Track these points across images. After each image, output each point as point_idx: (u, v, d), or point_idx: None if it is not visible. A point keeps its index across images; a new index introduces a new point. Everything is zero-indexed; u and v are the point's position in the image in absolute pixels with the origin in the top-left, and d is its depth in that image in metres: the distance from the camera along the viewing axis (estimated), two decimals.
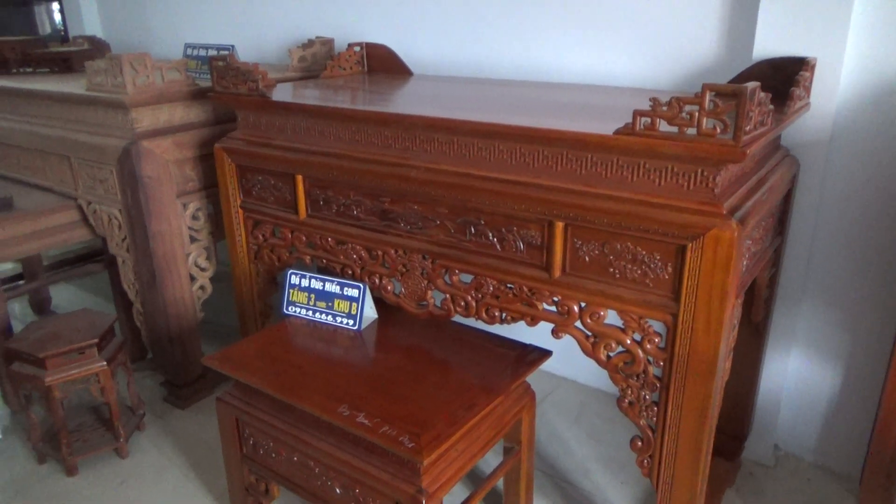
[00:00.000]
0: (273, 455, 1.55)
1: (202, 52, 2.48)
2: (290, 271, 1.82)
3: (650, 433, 1.37)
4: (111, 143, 2.00)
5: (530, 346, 1.64)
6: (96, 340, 1.89)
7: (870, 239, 1.71)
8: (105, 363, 1.90)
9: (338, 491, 1.43)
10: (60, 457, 1.94)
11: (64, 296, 3.17)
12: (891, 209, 1.66)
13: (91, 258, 2.65)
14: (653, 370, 1.33)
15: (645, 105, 1.18)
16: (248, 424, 1.57)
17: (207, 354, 1.65)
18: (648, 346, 1.32)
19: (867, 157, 1.66)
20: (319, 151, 1.69)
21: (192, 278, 2.18)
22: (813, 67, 1.57)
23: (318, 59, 2.43)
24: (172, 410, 2.25)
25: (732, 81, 1.64)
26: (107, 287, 2.62)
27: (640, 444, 1.39)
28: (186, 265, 2.14)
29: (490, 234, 1.45)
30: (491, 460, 1.81)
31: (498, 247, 1.45)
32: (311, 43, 2.44)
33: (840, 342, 1.82)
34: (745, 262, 1.29)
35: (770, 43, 1.64)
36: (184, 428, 2.16)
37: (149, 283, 2.10)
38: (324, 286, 1.77)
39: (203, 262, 2.19)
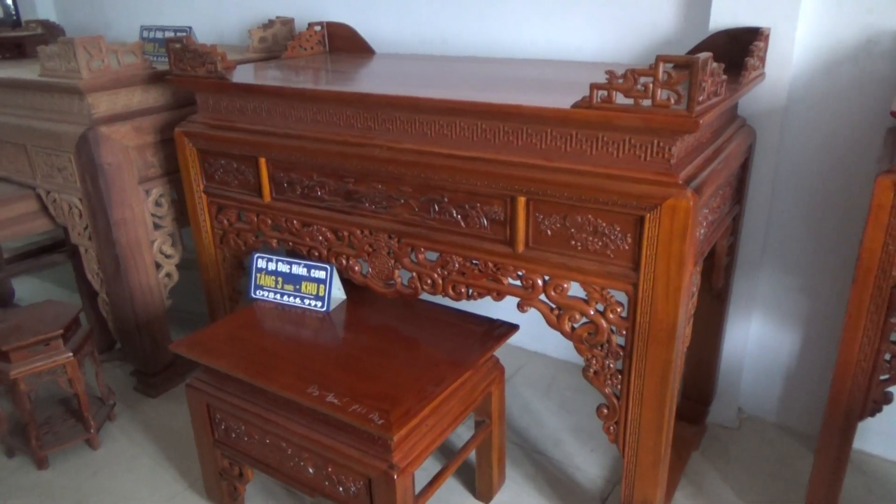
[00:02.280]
0: (245, 438, 1.55)
1: (159, 35, 2.42)
2: (257, 255, 1.81)
3: (615, 400, 1.40)
4: (68, 129, 1.96)
5: (498, 321, 1.66)
6: (61, 331, 1.87)
7: (825, 205, 1.75)
8: (71, 354, 1.88)
9: (311, 471, 1.45)
10: (30, 450, 1.92)
11: (27, 288, 3.11)
12: (845, 176, 1.70)
13: (53, 249, 2.60)
14: (616, 339, 1.36)
15: (601, 78, 1.19)
16: (219, 409, 1.57)
17: (175, 341, 1.64)
18: (611, 315, 1.34)
19: (822, 125, 1.70)
20: (282, 133, 1.68)
21: (158, 266, 2.15)
22: (767, 37, 1.60)
23: (278, 40, 2.40)
24: (143, 399, 2.24)
25: (690, 53, 1.65)
26: (71, 278, 2.57)
27: (605, 411, 1.42)
28: (151, 253, 2.12)
29: (454, 212, 1.46)
30: (463, 434, 1.84)
31: (462, 224, 1.46)
32: (271, 23, 2.41)
33: (799, 306, 1.87)
34: (702, 231, 1.32)
35: (726, 14, 1.66)
36: (155, 416, 2.15)
37: (113, 273, 2.08)
38: (291, 269, 1.77)
39: (168, 249, 2.17)
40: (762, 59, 1.60)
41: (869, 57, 1.60)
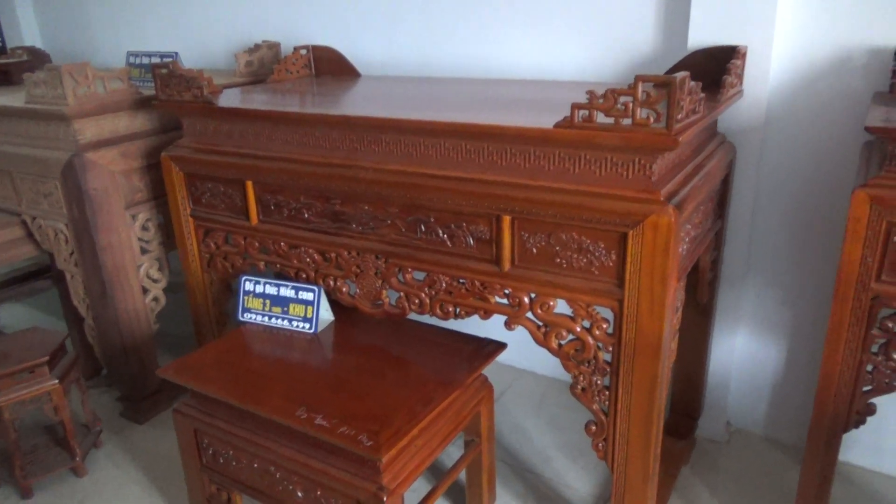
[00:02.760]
0: (233, 463, 1.54)
1: (145, 60, 2.44)
2: (244, 278, 1.81)
3: (603, 417, 1.40)
4: (54, 155, 1.96)
5: (485, 339, 1.67)
6: (46, 358, 1.85)
7: (806, 219, 1.78)
8: (57, 381, 1.86)
9: (299, 494, 1.44)
10: (14, 479, 1.89)
11: (12, 315, 3.08)
12: (825, 190, 1.73)
13: (38, 275, 2.58)
14: (602, 355, 1.37)
15: (583, 98, 1.21)
16: (207, 434, 1.56)
17: (163, 366, 1.63)
18: (597, 332, 1.35)
19: (801, 140, 1.73)
20: (268, 156, 1.69)
21: (145, 290, 2.14)
22: (744, 55, 1.63)
23: (265, 64, 2.42)
24: (130, 426, 2.22)
25: (669, 71, 1.69)
26: (56, 304, 2.56)
27: (594, 428, 1.43)
28: (138, 277, 2.11)
29: (440, 231, 1.47)
30: (453, 454, 1.83)
31: (448, 243, 1.47)
32: (257, 47, 2.43)
33: (783, 319, 1.89)
34: (684, 246, 1.33)
35: (703, 33, 1.70)
36: (142, 443, 2.13)
37: (100, 298, 2.07)
38: (278, 291, 1.77)
39: (155, 274, 2.16)
40: (740, 77, 1.63)
41: (843, 73, 1.64)
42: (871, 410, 1.32)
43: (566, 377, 1.43)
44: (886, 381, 1.29)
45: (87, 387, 2.10)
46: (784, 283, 1.86)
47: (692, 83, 1.21)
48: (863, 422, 1.33)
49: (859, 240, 1.22)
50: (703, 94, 1.29)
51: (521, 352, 2.25)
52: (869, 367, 1.29)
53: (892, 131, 1.17)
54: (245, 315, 1.81)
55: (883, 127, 1.17)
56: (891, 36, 1.55)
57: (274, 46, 2.47)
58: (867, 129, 1.18)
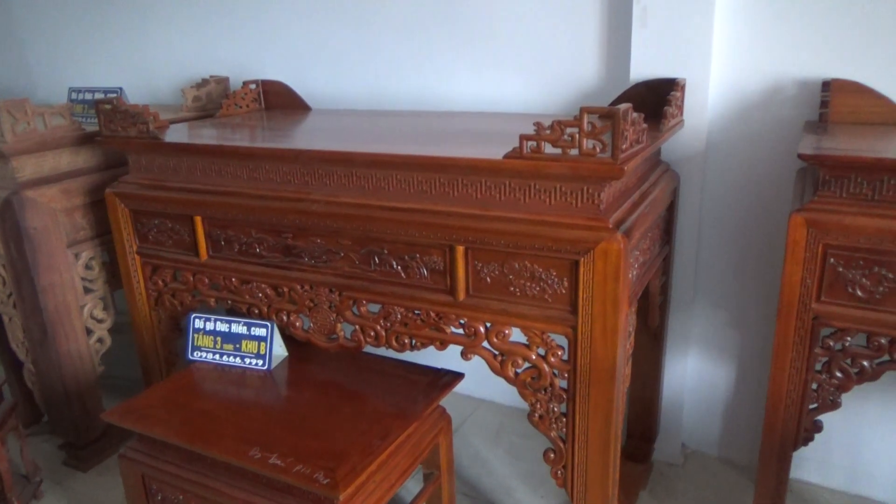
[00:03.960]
0: None
1: (88, 96, 2.39)
2: (194, 315, 1.77)
3: (561, 444, 1.41)
4: None
5: (442, 370, 1.66)
6: None
7: (747, 242, 1.84)
8: None
9: None
10: None
11: None
12: (764, 214, 1.80)
13: None
14: (559, 382, 1.38)
15: (531, 129, 1.24)
16: (155, 479, 1.50)
17: (107, 410, 1.57)
18: (552, 359, 1.36)
19: (740, 167, 1.80)
20: (217, 191, 1.66)
21: (89, 331, 2.07)
22: (683, 87, 1.70)
23: (213, 98, 2.40)
24: (73, 474, 2.11)
25: (612, 103, 1.74)
26: None
27: (552, 455, 1.43)
28: (81, 318, 2.03)
29: (394, 263, 1.47)
30: (412, 488, 1.80)
31: (403, 274, 1.47)
32: (205, 82, 2.41)
33: (731, 341, 1.94)
34: (634, 272, 1.36)
35: (644, 67, 1.76)
36: (86, 492, 2.03)
37: (40, 341, 1.98)
38: (230, 328, 1.73)
39: (100, 314, 2.09)
40: (680, 108, 1.70)
41: (776, 103, 1.72)
42: (819, 427, 1.36)
43: (525, 406, 1.43)
44: (831, 398, 1.33)
45: (27, 434, 2.00)
46: (730, 306, 1.91)
47: (635, 114, 1.25)
48: (811, 439, 1.37)
49: (798, 262, 1.27)
50: (645, 125, 1.33)
51: (478, 381, 2.25)
52: (814, 386, 1.33)
53: (824, 158, 1.22)
54: (195, 353, 1.76)
55: (814, 154, 1.23)
56: (818, 68, 1.64)
57: (222, 81, 2.46)
58: (800, 156, 1.24)
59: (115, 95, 2.13)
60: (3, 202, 1.86)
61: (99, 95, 2.32)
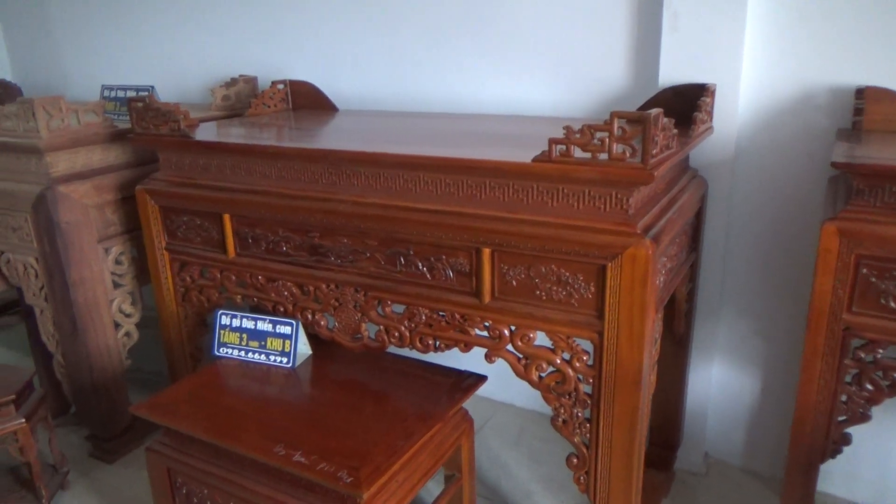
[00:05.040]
0: (208, 503, 1.50)
1: (120, 94, 2.43)
2: (220, 312, 1.79)
3: (584, 450, 1.40)
4: (24, 188, 1.93)
5: (466, 372, 1.66)
6: (13, 397, 1.79)
7: (776, 250, 1.82)
8: (24, 420, 1.80)
9: None
10: None
11: None
12: (793, 222, 1.78)
13: (4, 310, 2.52)
14: (583, 388, 1.37)
15: (559, 133, 1.24)
16: (181, 473, 1.52)
17: (135, 403, 1.59)
18: (577, 364, 1.36)
19: (769, 174, 1.78)
20: (246, 189, 1.68)
21: (117, 325, 2.10)
22: (713, 93, 1.69)
23: (241, 98, 2.43)
24: (99, 466, 2.15)
25: (640, 108, 1.73)
26: (24, 339, 2.49)
27: (575, 461, 1.42)
28: (110, 312, 2.07)
29: (420, 264, 1.48)
30: (432, 489, 1.81)
31: (428, 276, 1.47)
32: (234, 81, 2.44)
33: (758, 350, 1.92)
34: (661, 278, 1.35)
35: (673, 71, 1.75)
36: (112, 483, 2.06)
37: (70, 333, 2.02)
38: (255, 325, 1.75)
39: (128, 308, 2.12)
40: (710, 114, 1.68)
41: (807, 110, 1.70)
42: (847, 440, 1.34)
43: (545, 409, 1.43)
44: (860, 410, 1.32)
45: (55, 425, 2.04)
46: (757, 314, 1.89)
47: (666, 120, 1.25)
48: (839, 451, 1.35)
49: (830, 272, 1.25)
50: (676, 131, 1.32)
51: (499, 384, 2.25)
52: (843, 398, 1.32)
53: (857, 167, 1.21)
54: (221, 350, 1.78)
55: (848, 163, 1.22)
56: (851, 75, 1.62)
57: (251, 81, 2.48)
58: (833, 164, 1.22)
59: (146, 93, 2.17)
60: (37, 197, 1.89)
61: (131, 93, 2.36)
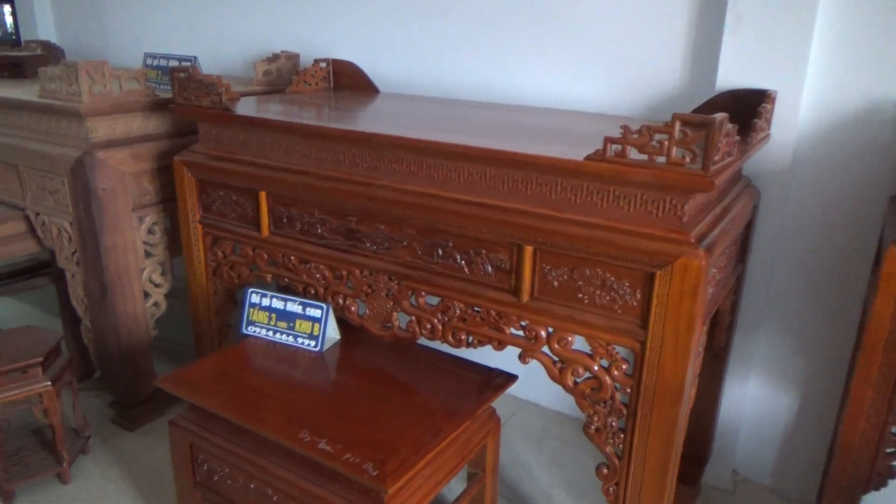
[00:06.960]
0: (229, 482, 1.49)
1: (163, 63, 2.41)
2: (251, 290, 1.77)
3: (616, 461, 1.36)
4: (64, 152, 1.92)
5: (496, 370, 1.62)
6: (41, 359, 1.80)
7: (826, 268, 1.75)
8: (49, 383, 1.81)
9: None
10: None
11: (7, 310, 3.02)
12: (847, 240, 1.70)
13: (37, 271, 2.53)
14: (619, 397, 1.33)
15: (613, 131, 1.19)
16: (203, 449, 1.51)
17: (161, 376, 1.58)
18: (616, 372, 1.31)
19: (825, 188, 1.71)
20: (284, 168, 1.65)
21: (146, 294, 2.10)
22: (774, 100, 1.62)
23: (283, 74, 2.40)
24: (120, 432, 2.16)
25: (696, 111, 1.67)
26: (53, 302, 2.50)
27: (605, 471, 1.38)
28: (140, 281, 2.06)
29: (458, 257, 1.44)
30: (454, 486, 1.78)
31: (466, 269, 1.43)
32: (276, 57, 2.41)
33: (796, 368, 1.85)
34: (711, 290, 1.30)
35: (732, 74, 1.68)
36: (132, 451, 2.07)
37: (99, 299, 2.02)
38: (285, 306, 1.73)
39: (158, 278, 2.12)
40: (769, 121, 1.61)
41: (871, 124, 1.62)
42: (894, 473, 1.28)
43: (569, 411, 1.39)
44: None
45: (78, 389, 2.04)
46: (799, 332, 1.82)
47: (730, 126, 1.19)
48: (884, 484, 1.29)
49: (891, 296, 1.18)
50: (738, 137, 1.26)
51: (524, 382, 2.19)
52: (894, 429, 1.25)
53: None
54: (249, 328, 1.76)
55: None
56: None
57: (293, 57, 2.45)
58: None
59: (189, 64, 2.15)
60: (75, 161, 1.89)
61: (174, 63, 2.34)
